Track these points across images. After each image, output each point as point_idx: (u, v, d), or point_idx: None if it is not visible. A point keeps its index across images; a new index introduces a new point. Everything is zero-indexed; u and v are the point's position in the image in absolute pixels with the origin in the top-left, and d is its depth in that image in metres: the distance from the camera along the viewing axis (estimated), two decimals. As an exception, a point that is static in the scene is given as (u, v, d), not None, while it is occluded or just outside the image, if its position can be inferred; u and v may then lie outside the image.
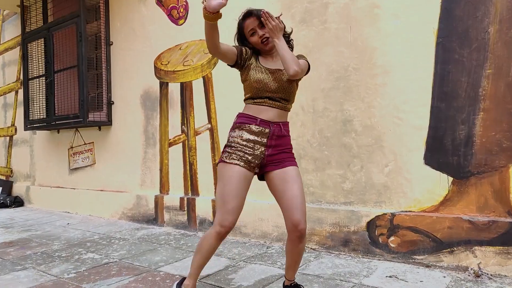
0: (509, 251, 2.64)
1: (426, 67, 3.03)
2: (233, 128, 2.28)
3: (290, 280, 2.38)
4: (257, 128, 2.19)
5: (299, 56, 2.33)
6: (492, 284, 2.58)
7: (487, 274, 2.69)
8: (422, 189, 3.06)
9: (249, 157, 2.17)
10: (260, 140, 2.19)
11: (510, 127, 2.70)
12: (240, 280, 2.87)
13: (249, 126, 2.20)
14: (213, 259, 3.37)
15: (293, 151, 2.33)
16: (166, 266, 3.29)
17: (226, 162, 2.18)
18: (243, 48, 2.29)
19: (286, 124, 2.29)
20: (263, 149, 2.20)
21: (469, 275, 2.73)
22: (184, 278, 2.36)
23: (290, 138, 2.34)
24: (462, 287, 2.56)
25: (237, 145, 2.20)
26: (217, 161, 2.28)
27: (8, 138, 7.49)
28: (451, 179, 2.94)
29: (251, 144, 2.18)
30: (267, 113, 2.22)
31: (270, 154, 2.21)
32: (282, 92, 2.24)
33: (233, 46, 2.28)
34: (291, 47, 2.37)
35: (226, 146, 2.26)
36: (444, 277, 2.76)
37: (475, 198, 2.83)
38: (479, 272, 2.70)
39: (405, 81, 3.13)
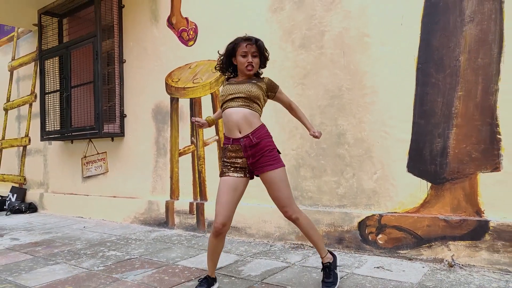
0: (477, 244, 3.13)
1: (408, 88, 3.54)
2: (222, 148, 2.84)
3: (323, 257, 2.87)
4: (233, 147, 2.74)
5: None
6: (462, 272, 3.06)
7: (459, 264, 3.17)
8: (406, 193, 3.56)
9: (238, 167, 2.73)
10: (238, 154, 2.73)
11: (479, 141, 3.20)
12: (249, 271, 3.34)
13: (228, 146, 2.77)
14: (223, 255, 3.84)
15: (275, 149, 2.77)
16: (182, 261, 3.75)
17: (220, 177, 2.77)
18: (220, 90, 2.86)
19: (256, 131, 2.72)
20: (244, 159, 2.73)
21: (444, 266, 3.21)
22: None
23: (268, 139, 2.76)
24: (437, 275, 3.04)
25: (226, 161, 2.76)
26: None
27: (21, 148, 7.93)
28: (429, 184, 3.43)
29: (234, 158, 2.73)
30: (231, 121, 2.72)
31: (252, 162, 2.73)
32: (242, 92, 2.72)
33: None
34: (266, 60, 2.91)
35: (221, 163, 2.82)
36: (423, 267, 3.24)
37: (450, 201, 3.33)
38: (452, 263, 3.18)
39: (391, 100, 3.64)
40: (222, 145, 2.82)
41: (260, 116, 2.82)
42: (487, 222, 3.11)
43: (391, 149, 3.64)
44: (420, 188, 3.48)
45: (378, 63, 3.72)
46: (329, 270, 2.81)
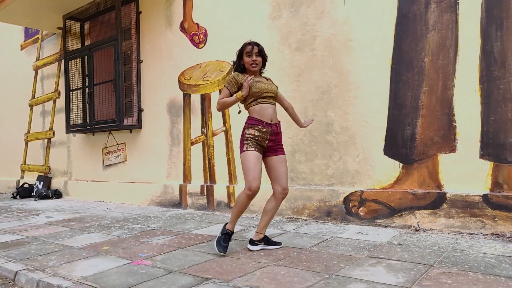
0: (436, 212, 3.83)
1: (385, 85, 4.24)
2: (246, 128, 3.44)
3: (263, 233, 3.55)
4: (263, 128, 3.38)
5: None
6: (423, 234, 3.77)
7: (423, 229, 3.88)
8: (382, 173, 4.26)
9: (259, 145, 3.37)
10: (265, 136, 3.38)
11: (439, 128, 3.90)
12: (251, 236, 4.05)
13: (258, 127, 3.39)
14: (230, 226, 4.57)
15: (282, 143, 3.54)
16: (196, 230, 4.47)
17: (247, 150, 3.37)
18: (233, 79, 3.46)
19: (278, 124, 3.46)
20: (267, 142, 3.39)
21: (411, 230, 3.92)
22: (226, 223, 3.55)
23: (281, 132, 3.52)
24: (404, 236, 3.74)
25: (252, 137, 3.38)
26: (239, 152, 3.44)
27: (46, 140, 8.71)
28: (401, 164, 4.13)
29: (259, 138, 3.38)
30: (267, 113, 3.41)
31: (270, 146, 3.43)
32: (272, 92, 3.47)
33: (225, 87, 3.51)
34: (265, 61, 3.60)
35: (244, 140, 3.41)
36: (394, 232, 3.95)
37: (417, 177, 4.03)
38: (418, 228, 3.89)
39: (371, 94, 4.34)
40: (249, 125, 3.38)
41: None
42: (445, 194, 3.81)
43: (371, 136, 4.34)
44: (394, 168, 4.18)
45: (360, 64, 4.42)
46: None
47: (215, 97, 5.75)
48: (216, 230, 4.42)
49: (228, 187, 5.51)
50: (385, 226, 4.15)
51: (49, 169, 8.68)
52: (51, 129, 8.59)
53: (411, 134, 4.06)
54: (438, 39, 3.90)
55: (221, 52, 5.70)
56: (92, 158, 7.66)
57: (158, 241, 4.00)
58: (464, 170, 3.76)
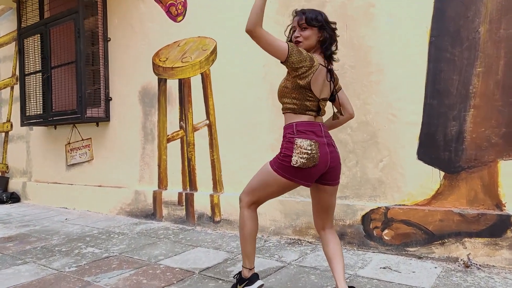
0: (497, 242, 2.75)
1: (419, 65, 3.13)
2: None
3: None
4: None
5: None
6: (480, 274, 2.69)
7: (476, 264, 2.80)
8: (415, 184, 3.17)
9: None
10: None
11: (499, 124, 2.80)
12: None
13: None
14: (212, 252, 3.48)
15: (281, 151, 2.27)
16: (165, 259, 3.37)
17: None
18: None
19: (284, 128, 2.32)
20: None
21: (459, 266, 2.84)
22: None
23: (284, 140, 2.28)
24: (452, 277, 2.66)
25: None
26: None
27: (3, 134, 7.52)
28: (442, 173, 3.04)
29: None
30: None
31: None
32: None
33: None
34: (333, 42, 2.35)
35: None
36: (436, 267, 2.86)
37: (466, 192, 2.94)
38: (469, 263, 2.81)
39: (399, 79, 3.23)
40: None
41: (295, 112, 2.28)
42: (509, 216, 2.73)
43: (399, 133, 3.23)
44: (432, 177, 3.08)
45: (385, 37, 3.30)
46: None
47: (196, 83, 4.60)
48: (193, 259, 3.32)
49: (212, 196, 4.39)
50: (420, 257, 3.06)
51: (7, 167, 7.49)
52: (8, 120, 7.38)
53: (458, 132, 2.96)
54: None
55: (203, 27, 4.54)
56: (54, 155, 6.49)
57: (110, 280, 2.89)
58: (538, 184, 2.67)
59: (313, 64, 2.18)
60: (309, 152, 2.15)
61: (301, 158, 2.14)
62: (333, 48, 2.35)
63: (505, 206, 2.79)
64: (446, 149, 3.01)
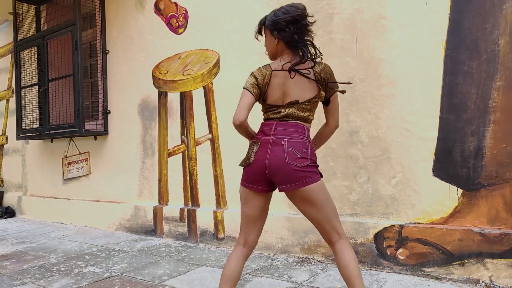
0: (521, 263, 2.63)
1: (434, 78, 3.03)
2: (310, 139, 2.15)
3: None
4: None
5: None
6: (506, 298, 2.56)
7: (499, 286, 2.67)
8: (431, 201, 3.04)
9: None
10: None
11: (520, 139, 2.70)
12: (249, 295, 2.82)
13: None
14: (218, 272, 3.33)
15: None
16: (170, 279, 3.22)
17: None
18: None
19: None
20: None
21: (481, 288, 2.71)
22: None
23: None
24: (476, 301, 2.54)
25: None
26: (312, 179, 2.03)
27: (-2, 147, 7.34)
28: (460, 191, 2.92)
29: None
30: None
31: None
32: None
33: None
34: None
35: (314, 158, 2.11)
36: (456, 290, 2.74)
37: (486, 210, 2.82)
38: (491, 285, 2.68)
39: (413, 92, 3.13)
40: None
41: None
42: (533, 236, 2.61)
43: (413, 149, 3.12)
44: (449, 195, 2.97)
45: (397, 50, 3.20)
46: None
47: (198, 96, 4.48)
48: (199, 279, 3.17)
49: (215, 212, 4.24)
50: (437, 278, 2.93)
51: (2, 181, 7.30)
52: (3, 133, 7.21)
53: (477, 148, 2.85)
54: (520, 11, 2.70)
55: (205, 39, 4.44)
56: (50, 169, 6.32)
57: (114, 304, 2.74)
58: None
59: (260, 79, 2.10)
60: (250, 151, 2.10)
61: (245, 158, 2.13)
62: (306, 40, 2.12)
63: (528, 225, 2.67)
64: (464, 166, 2.90)
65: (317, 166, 2.08)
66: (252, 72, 2.14)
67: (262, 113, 2.22)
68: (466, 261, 2.83)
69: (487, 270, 2.75)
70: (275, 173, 2.03)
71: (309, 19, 2.14)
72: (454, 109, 2.94)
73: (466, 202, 2.89)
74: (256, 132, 2.19)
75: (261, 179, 2.08)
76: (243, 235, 2.18)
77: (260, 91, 2.11)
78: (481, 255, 2.77)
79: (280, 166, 2.01)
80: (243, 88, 2.11)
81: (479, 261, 2.78)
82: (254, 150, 2.08)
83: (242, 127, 2.08)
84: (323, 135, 2.37)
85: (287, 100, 2.10)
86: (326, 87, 2.15)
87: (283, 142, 2.03)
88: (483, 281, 2.74)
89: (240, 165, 2.16)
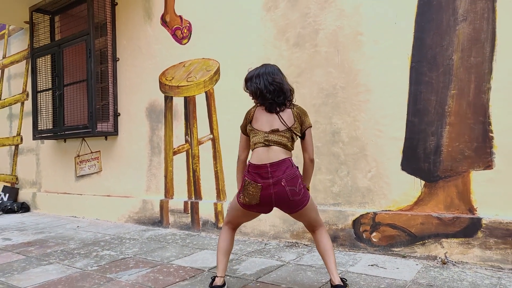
0: (469, 241, 3.16)
1: (402, 87, 3.56)
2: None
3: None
4: None
5: None
6: (455, 269, 3.09)
7: (452, 261, 3.20)
8: (399, 191, 3.57)
9: None
10: None
11: (471, 139, 3.23)
12: (244, 270, 3.34)
13: None
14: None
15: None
16: (177, 260, 3.74)
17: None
18: None
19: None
20: None
21: (437, 263, 3.24)
22: None
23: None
24: (431, 272, 3.06)
25: None
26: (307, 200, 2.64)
27: (13, 147, 7.87)
28: (423, 182, 3.45)
29: None
30: None
31: None
32: None
33: None
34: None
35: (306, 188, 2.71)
36: (417, 265, 3.26)
37: (443, 198, 3.35)
38: (446, 260, 3.21)
39: (385, 98, 3.66)
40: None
41: (251, 148, 2.76)
42: (479, 219, 3.14)
43: (385, 147, 3.65)
44: (414, 186, 3.50)
45: (371, 62, 3.73)
46: None
47: (200, 100, 5.02)
48: (201, 259, 3.70)
49: (215, 204, 4.78)
50: (404, 256, 3.46)
51: (17, 179, 7.84)
52: (18, 134, 7.75)
53: (436, 146, 3.38)
54: (470, 31, 3.23)
55: (207, 49, 4.97)
56: (63, 167, 6.86)
57: (130, 276, 3.26)
58: (504, 191, 3.08)
59: (249, 113, 2.76)
60: (251, 193, 2.59)
61: (245, 196, 2.63)
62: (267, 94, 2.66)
63: (476, 210, 3.20)
64: (426, 161, 3.43)
65: (307, 189, 2.72)
66: None
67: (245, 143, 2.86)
68: (426, 241, 3.36)
69: (443, 248, 3.28)
70: (280, 205, 2.65)
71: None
72: (418, 113, 3.47)
73: (427, 191, 3.42)
74: (250, 171, 2.61)
75: (263, 210, 2.73)
76: (234, 223, 2.86)
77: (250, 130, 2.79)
78: (438, 235, 3.30)
79: (285, 202, 2.60)
80: None
81: (436, 240, 3.31)
82: (256, 192, 2.57)
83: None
84: (306, 172, 2.84)
85: (270, 128, 2.67)
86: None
87: (283, 183, 2.53)
88: (439, 257, 3.27)
89: (248, 203, 2.63)
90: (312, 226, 2.74)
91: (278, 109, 2.64)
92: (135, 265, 3.59)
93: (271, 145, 2.59)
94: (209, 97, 4.93)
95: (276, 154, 2.57)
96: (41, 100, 6.75)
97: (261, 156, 2.58)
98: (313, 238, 2.77)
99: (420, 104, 3.46)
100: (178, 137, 5.25)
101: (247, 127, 2.74)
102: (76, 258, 3.92)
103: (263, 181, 2.54)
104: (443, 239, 3.28)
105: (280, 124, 2.63)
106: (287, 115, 2.65)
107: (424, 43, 3.45)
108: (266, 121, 2.65)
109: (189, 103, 5.13)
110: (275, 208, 2.69)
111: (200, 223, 4.90)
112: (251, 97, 2.77)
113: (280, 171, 2.54)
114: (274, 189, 2.53)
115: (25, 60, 7.58)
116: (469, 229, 3.17)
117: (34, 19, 6.75)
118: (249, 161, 2.67)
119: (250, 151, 2.74)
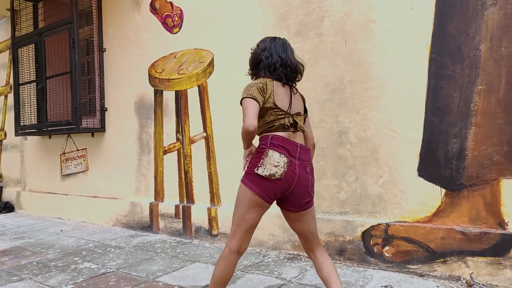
0: (500, 261, 2.73)
1: (420, 81, 3.11)
2: None
3: None
4: None
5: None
6: (484, 294, 2.68)
7: (479, 284, 2.78)
8: (416, 200, 3.15)
9: None
10: None
11: (501, 142, 2.79)
12: None
13: None
14: (210, 268, 3.43)
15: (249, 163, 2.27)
16: (164, 276, 3.32)
17: None
18: None
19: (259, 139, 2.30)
20: None
21: (461, 285, 2.82)
22: None
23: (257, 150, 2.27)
24: (456, 297, 2.65)
25: None
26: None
27: (-3, 142, 7.43)
28: (444, 191, 3.02)
29: None
30: None
31: None
32: None
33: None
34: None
35: None
36: (438, 286, 2.84)
37: (467, 210, 2.92)
38: (471, 282, 2.79)
39: (399, 94, 3.22)
40: None
41: (271, 130, 2.23)
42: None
43: (400, 150, 3.22)
44: (433, 194, 3.07)
45: (384, 53, 3.28)
46: None
47: (193, 95, 4.57)
48: (191, 276, 3.28)
49: (209, 209, 4.35)
50: (421, 275, 3.04)
51: (1, 176, 7.40)
52: (2, 129, 7.30)
53: (459, 150, 2.95)
54: (501, 17, 2.78)
55: (200, 39, 4.51)
56: (48, 165, 6.42)
57: (109, 299, 2.85)
58: (540, 204, 2.66)
59: (266, 85, 2.18)
60: (277, 164, 2.09)
61: (267, 169, 2.09)
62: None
63: (507, 225, 2.77)
64: (447, 167, 3.00)
65: None
66: None
67: (266, 122, 2.23)
68: (448, 258, 2.94)
69: (468, 268, 2.86)
70: (295, 195, 2.16)
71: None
72: (438, 111, 3.03)
73: (449, 201, 3.00)
74: (275, 143, 2.15)
75: (278, 194, 2.15)
76: (239, 242, 2.18)
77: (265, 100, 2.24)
78: (462, 253, 2.88)
79: (303, 194, 2.17)
80: None
81: (460, 259, 2.89)
82: (283, 166, 2.10)
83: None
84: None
85: (293, 111, 2.25)
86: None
87: (308, 170, 2.19)
88: (464, 278, 2.85)
89: (268, 177, 2.09)
90: (311, 241, 2.27)
91: (296, 90, 2.32)
92: (116, 283, 3.17)
93: (298, 131, 2.24)
94: (202, 92, 4.48)
95: (302, 140, 2.27)
96: (24, 93, 6.28)
97: (289, 135, 2.20)
98: (312, 259, 2.29)
99: (441, 102, 3.02)
100: (169, 135, 4.81)
101: (265, 103, 2.17)
102: (52, 272, 3.50)
103: (291, 157, 2.13)
104: (468, 257, 2.86)
105: (301, 107, 2.32)
106: (300, 97, 2.37)
107: (446, 31, 2.99)
108: (288, 101, 2.23)
109: (180, 98, 4.69)
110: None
111: (192, 230, 4.47)
112: (260, 71, 2.29)
113: (307, 156, 2.23)
114: (299, 170, 2.14)
115: (8, 51, 7.10)
116: (500, 246, 2.74)
117: (15, 5, 6.27)
118: (269, 134, 2.18)
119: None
